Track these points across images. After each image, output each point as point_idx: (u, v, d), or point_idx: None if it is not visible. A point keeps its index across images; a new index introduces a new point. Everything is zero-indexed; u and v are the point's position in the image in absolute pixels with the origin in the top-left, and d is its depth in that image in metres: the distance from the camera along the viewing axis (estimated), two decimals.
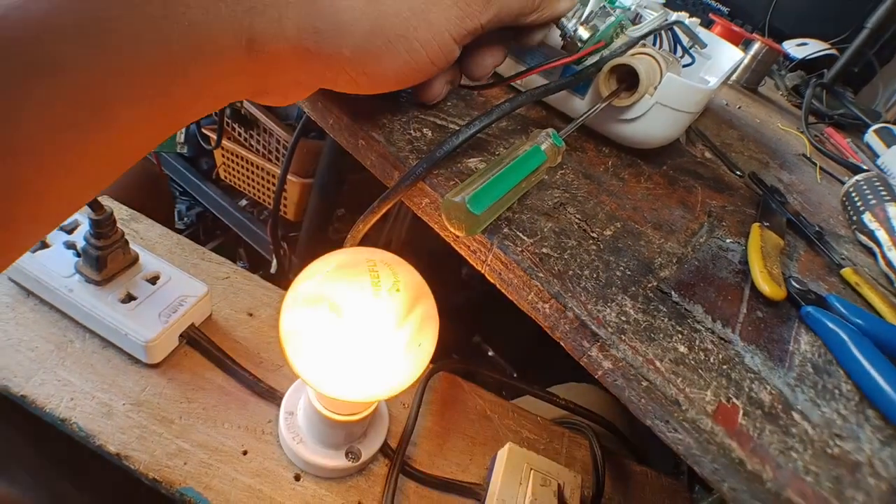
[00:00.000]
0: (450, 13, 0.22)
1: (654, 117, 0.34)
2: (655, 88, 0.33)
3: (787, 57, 0.86)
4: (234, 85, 0.21)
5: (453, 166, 0.28)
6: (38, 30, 0.15)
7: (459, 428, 0.42)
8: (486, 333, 0.84)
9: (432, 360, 0.44)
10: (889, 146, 0.58)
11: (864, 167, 0.56)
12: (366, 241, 0.30)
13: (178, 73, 0.18)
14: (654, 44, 0.43)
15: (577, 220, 0.28)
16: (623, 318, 0.23)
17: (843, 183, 0.50)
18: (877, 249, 0.41)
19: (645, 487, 0.44)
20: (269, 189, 0.88)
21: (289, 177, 0.80)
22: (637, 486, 0.44)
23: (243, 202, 0.96)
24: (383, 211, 0.27)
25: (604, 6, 0.33)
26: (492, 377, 0.46)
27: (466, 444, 0.41)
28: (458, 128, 0.31)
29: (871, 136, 0.64)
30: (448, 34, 0.22)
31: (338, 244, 0.30)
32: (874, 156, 0.60)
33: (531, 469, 0.37)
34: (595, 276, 0.25)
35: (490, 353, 0.81)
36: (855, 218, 0.45)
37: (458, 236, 0.24)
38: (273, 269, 0.75)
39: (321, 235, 0.76)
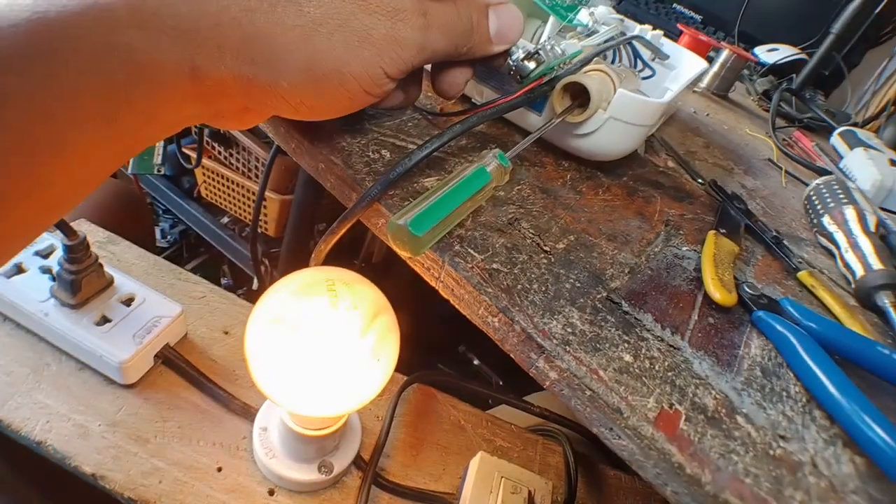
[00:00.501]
0: (383, 53, 0.23)
1: (609, 131, 0.35)
2: (609, 103, 0.34)
3: (758, 62, 0.88)
4: (184, 110, 0.21)
5: (409, 186, 0.29)
6: None
7: (433, 439, 0.43)
8: (471, 341, 0.84)
9: (407, 373, 0.45)
10: (852, 148, 0.59)
11: (829, 170, 0.58)
12: (350, 254, 0.31)
13: (121, 100, 0.18)
14: (614, 59, 0.44)
15: (530, 235, 0.29)
16: (569, 330, 0.24)
17: (808, 186, 0.52)
18: (835, 251, 0.43)
19: (619, 491, 0.45)
20: (249, 206, 0.89)
21: (268, 193, 0.81)
22: (611, 490, 0.45)
23: (225, 219, 0.96)
24: (342, 231, 0.28)
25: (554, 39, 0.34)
26: (467, 387, 0.47)
27: (440, 454, 0.42)
28: (415, 147, 0.33)
29: (835, 139, 0.65)
30: (381, 69, 0.23)
31: None
32: (839, 158, 0.62)
33: (502, 477, 0.37)
34: (544, 289, 0.26)
35: (476, 362, 0.82)
36: (815, 221, 0.46)
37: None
38: (255, 286, 0.76)
39: (302, 250, 0.76)
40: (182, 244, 1.04)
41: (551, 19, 0.41)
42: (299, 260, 0.81)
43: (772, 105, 0.71)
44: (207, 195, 0.95)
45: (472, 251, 0.26)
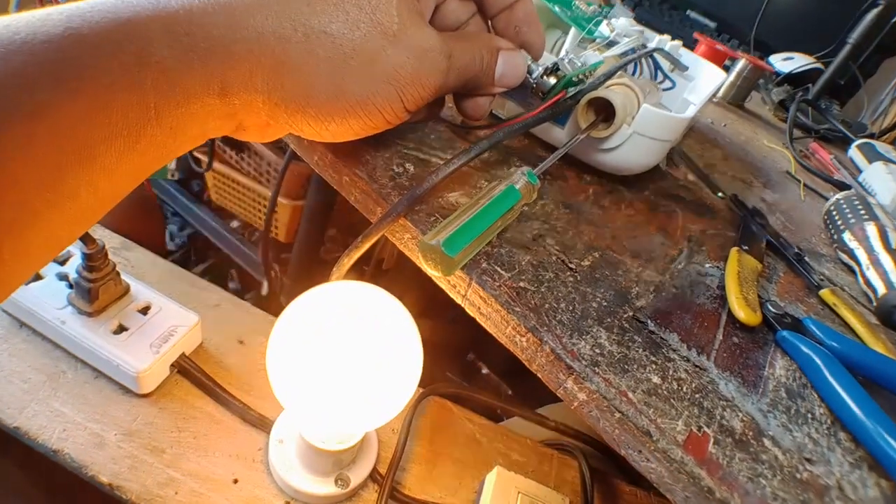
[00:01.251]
0: (407, 89, 0.24)
1: (633, 146, 0.34)
2: (633, 118, 0.34)
3: (774, 71, 0.87)
4: (208, 124, 0.22)
5: (434, 201, 0.28)
6: (18, 78, 0.16)
7: (448, 452, 0.42)
8: (480, 350, 0.84)
9: (423, 384, 0.45)
10: (871, 162, 0.59)
11: (847, 183, 0.57)
12: (360, 259, 0.31)
13: (150, 116, 0.19)
14: (635, 71, 0.44)
15: (555, 252, 0.29)
16: (597, 351, 0.24)
17: (826, 199, 0.51)
18: (857, 268, 0.42)
19: None
20: (260, 211, 0.89)
21: (280, 199, 0.81)
22: None
23: (234, 224, 0.96)
24: (367, 246, 0.28)
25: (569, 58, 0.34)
26: (481, 399, 0.47)
27: (456, 468, 0.42)
28: (440, 161, 0.32)
29: (854, 152, 0.65)
30: (402, 104, 0.24)
31: (329, 264, 0.31)
32: (857, 171, 0.61)
33: (518, 492, 0.37)
34: (571, 308, 0.26)
35: (484, 371, 0.82)
36: (836, 237, 0.46)
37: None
38: (264, 291, 0.76)
39: (313, 256, 0.76)
40: (190, 247, 1.04)
41: (572, 31, 0.41)
42: (311, 265, 0.81)
43: (789, 117, 0.71)
44: (218, 199, 0.95)
45: (499, 269, 0.26)
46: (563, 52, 0.41)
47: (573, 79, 0.32)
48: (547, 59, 0.32)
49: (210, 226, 0.93)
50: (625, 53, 0.41)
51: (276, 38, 0.20)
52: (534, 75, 0.33)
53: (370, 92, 0.23)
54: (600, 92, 0.32)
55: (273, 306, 0.91)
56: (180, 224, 1.06)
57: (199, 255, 1.05)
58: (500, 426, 0.46)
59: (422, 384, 0.45)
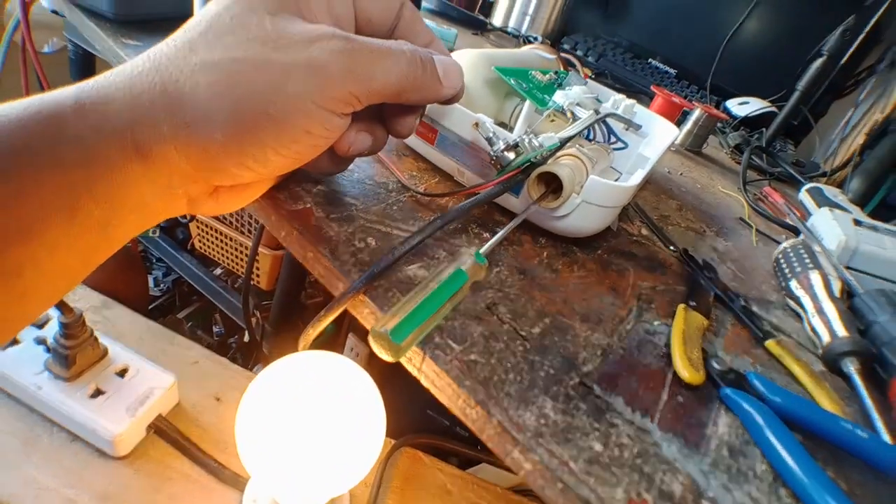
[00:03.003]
0: (308, 83, 0.23)
1: (582, 214, 0.37)
2: (582, 187, 0.36)
3: (730, 116, 0.92)
4: (145, 195, 0.23)
5: (393, 276, 0.30)
6: None
7: None
8: (439, 404, 0.83)
9: (394, 437, 0.46)
10: (819, 206, 0.62)
11: (798, 228, 0.61)
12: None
13: (81, 191, 0.20)
14: (589, 135, 0.47)
15: (507, 321, 0.31)
16: (542, 421, 0.26)
17: (778, 244, 0.54)
18: (803, 315, 0.45)
19: None
20: (242, 260, 0.91)
21: (260, 249, 0.83)
22: None
23: (218, 271, 0.98)
24: (330, 319, 0.30)
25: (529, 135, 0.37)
26: (449, 449, 0.48)
27: None
28: (401, 233, 0.35)
29: (804, 196, 0.68)
30: (311, 103, 0.23)
31: (310, 308, 0.32)
32: (808, 214, 0.64)
33: None
34: (519, 378, 0.28)
35: (446, 423, 0.81)
36: (784, 284, 0.49)
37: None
38: (246, 338, 0.77)
39: (293, 303, 0.78)
40: (175, 292, 1.05)
41: (527, 102, 0.44)
42: (292, 311, 0.82)
43: (742, 163, 0.75)
44: (201, 248, 0.97)
45: (451, 342, 0.28)
46: (519, 123, 0.44)
47: (531, 159, 0.34)
48: (507, 138, 0.35)
49: (194, 273, 0.95)
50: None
51: (169, 82, 0.22)
52: (494, 148, 0.35)
53: (267, 100, 0.22)
54: (549, 167, 0.35)
55: (256, 351, 0.92)
56: (164, 270, 1.08)
57: (183, 301, 1.06)
58: (470, 475, 0.47)
59: (398, 433, 0.46)
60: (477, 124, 0.36)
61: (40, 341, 0.43)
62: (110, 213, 0.22)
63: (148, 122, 0.21)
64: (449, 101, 0.31)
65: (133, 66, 0.22)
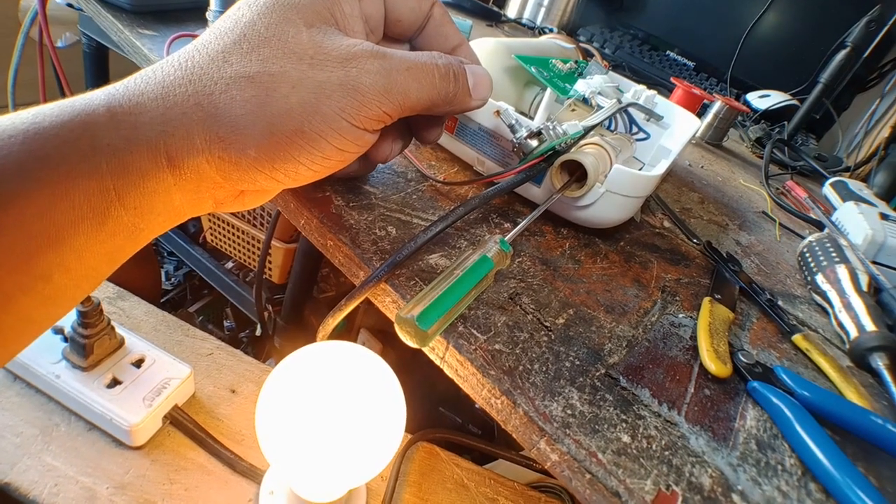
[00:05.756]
0: (343, 103, 0.23)
1: (606, 203, 0.36)
2: (605, 176, 0.36)
3: (750, 109, 0.91)
4: (174, 201, 0.23)
5: (414, 265, 0.30)
6: None
7: (437, 499, 0.43)
8: (451, 401, 0.82)
9: (410, 431, 0.46)
10: (844, 200, 0.61)
11: (822, 222, 0.59)
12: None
13: (112, 198, 0.20)
14: (610, 124, 0.46)
15: (531, 311, 0.30)
16: (569, 412, 0.25)
17: (802, 238, 0.53)
18: (830, 310, 0.44)
19: None
20: (254, 253, 0.90)
21: (273, 242, 0.82)
22: None
23: (229, 264, 0.98)
24: (350, 308, 0.29)
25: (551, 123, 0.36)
26: (466, 443, 0.47)
27: None
28: (421, 222, 0.34)
29: (828, 189, 0.67)
30: (345, 122, 0.23)
31: (322, 303, 0.32)
32: (832, 208, 0.63)
33: None
34: (545, 369, 0.27)
35: (458, 420, 0.81)
36: (809, 279, 0.47)
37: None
38: (258, 332, 0.77)
39: (306, 296, 0.78)
40: (186, 286, 1.05)
41: (548, 90, 0.43)
42: (304, 305, 0.82)
43: (764, 156, 0.73)
44: (213, 241, 0.97)
45: (475, 332, 0.27)
46: (540, 112, 0.44)
47: (555, 147, 0.34)
48: (529, 126, 0.34)
49: (205, 266, 0.95)
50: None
51: (203, 95, 0.21)
52: (517, 135, 0.35)
53: (302, 118, 0.22)
54: (573, 154, 0.34)
55: (268, 346, 0.92)
56: (176, 263, 1.08)
57: (195, 294, 1.06)
58: (487, 470, 0.47)
59: (412, 429, 0.46)
60: (499, 112, 0.35)
61: (58, 330, 0.43)
62: (139, 219, 0.22)
63: (181, 134, 0.21)
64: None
65: (164, 74, 0.22)
